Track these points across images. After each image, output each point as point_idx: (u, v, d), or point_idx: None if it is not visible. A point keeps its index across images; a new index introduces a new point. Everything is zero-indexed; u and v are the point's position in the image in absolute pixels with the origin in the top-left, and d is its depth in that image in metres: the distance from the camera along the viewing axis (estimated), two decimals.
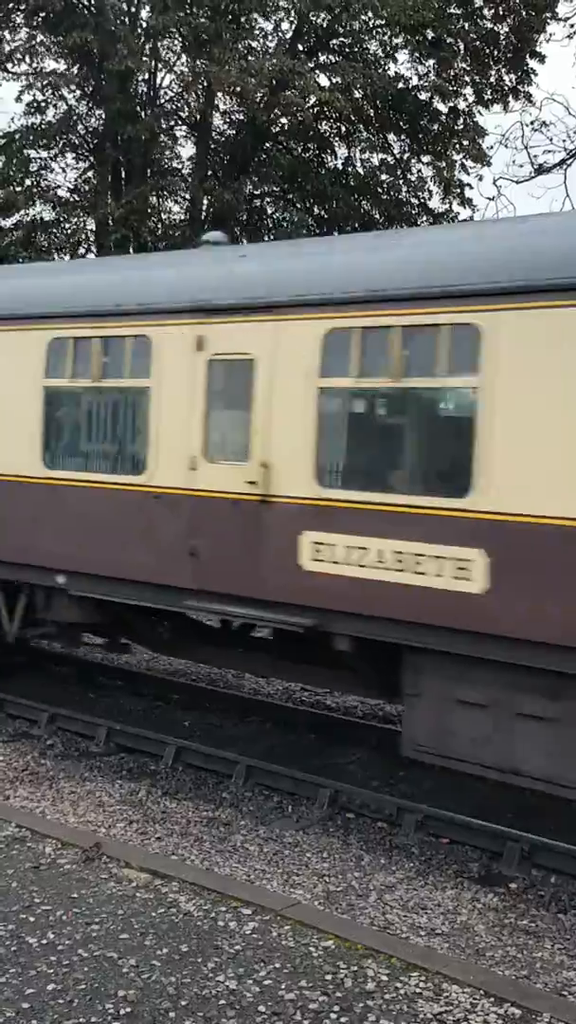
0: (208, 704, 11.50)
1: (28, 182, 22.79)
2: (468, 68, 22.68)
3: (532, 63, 22.75)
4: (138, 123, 21.08)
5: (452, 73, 22.48)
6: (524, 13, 21.64)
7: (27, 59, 21.79)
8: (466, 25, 21.72)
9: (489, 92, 22.90)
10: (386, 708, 11.12)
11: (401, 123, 23.20)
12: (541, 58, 22.69)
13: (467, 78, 22.81)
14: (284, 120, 23.07)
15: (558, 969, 6.02)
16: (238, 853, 7.63)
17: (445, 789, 8.94)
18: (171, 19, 20.39)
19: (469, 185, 23.30)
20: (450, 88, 22.36)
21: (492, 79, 22.84)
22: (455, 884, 7.28)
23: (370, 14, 20.92)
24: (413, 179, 23.79)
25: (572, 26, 21.47)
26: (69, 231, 23.56)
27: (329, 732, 10.37)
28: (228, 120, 23.77)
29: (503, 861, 7.58)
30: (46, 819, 8.05)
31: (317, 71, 21.64)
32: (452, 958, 6.01)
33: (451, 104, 22.65)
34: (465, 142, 22.69)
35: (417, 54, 22.38)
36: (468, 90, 22.98)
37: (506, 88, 22.84)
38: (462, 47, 22.19)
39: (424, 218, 23.67)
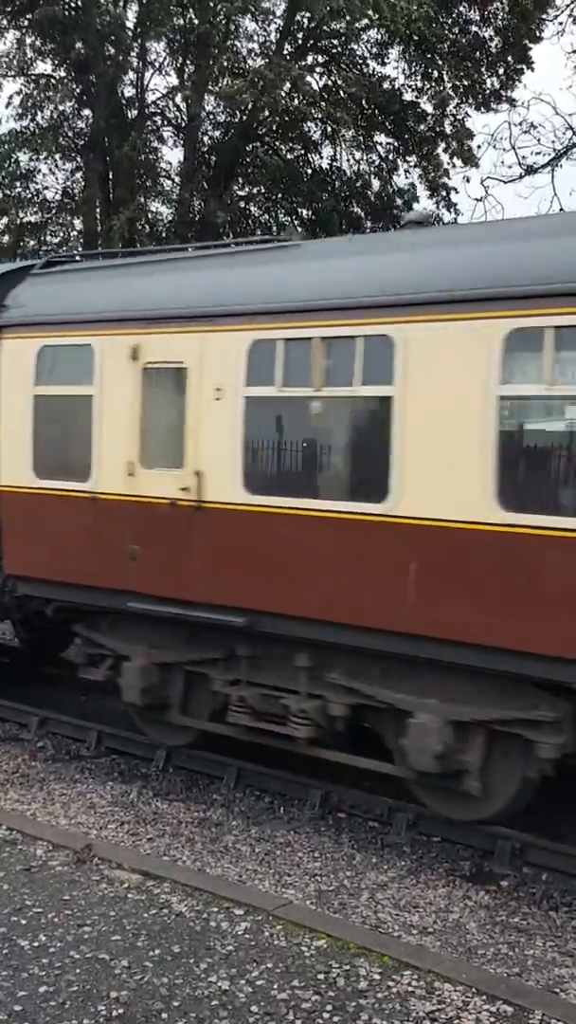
0: None
1: (18, 185, 22.73)
2: (455, 72, 22.72)
3: (521, 66, 22.79)
4: (125, 141, 21.07)
5: (438, 74, 22.52)
6: (512, 20, 21.69)
7: (18, 67, 21.72)
8: (456, 31, 21.79)
9: (477, 96, 22.93)
10: None
11: (387, 123, 23.25)
12: (529, 63, 22.73)
13: (455, 82, 22.84)
14: (271, 121, 23.08)
15: (549, 966, 6.03)
16: (230, 853, 7.63)
17: None
18: (157, 16, 20.37)
19: (455, 189, 23.38)
20: (438, 91, 22.41)
21: (476, 83, 22.87)
22: (447, 882, 7.29)
23: (358, 15, 20.93)
24: (400, 182, 23.85)
25: (560, 24, 21.55)
26: (58, 234, 23.58)
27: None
28: (214, 122, 23.80)
29: (494, 859, 7.59)
30: (37, 821, 8.04)
31: (305, 72, 21.67)
32: (444, 956, 6.02)
33: (436, 102, 22.68)
34: (454, 143, 22.72)
35: (405, 59, 22.45)
36: (454, 93, 23.02)
37: (487, 91, 22.89)
38: (446, 50, 22.22)
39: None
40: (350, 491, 8.00)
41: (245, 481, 8.35)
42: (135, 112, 22.68)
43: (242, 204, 24.25)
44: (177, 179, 23.49)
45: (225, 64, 21.87)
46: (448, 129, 22.91)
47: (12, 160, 22.33)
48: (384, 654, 7.77)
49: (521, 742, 7.35)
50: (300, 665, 8.29)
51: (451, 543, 7.23)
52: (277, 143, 24.13)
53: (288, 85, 20.48)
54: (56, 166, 23.53)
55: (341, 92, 21.65)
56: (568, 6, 21.16)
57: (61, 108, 22.39)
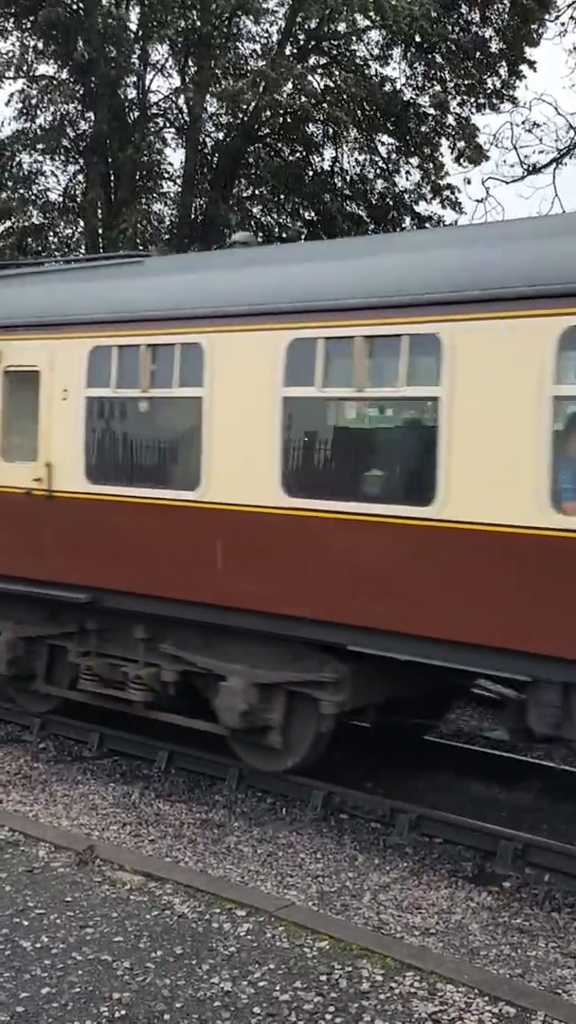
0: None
1: (21, 189, 22.72)
2: (456, 72, 22.71)
3: (521, 68, 22.78)
4: (127, 143, 21.06)
5: (440, 75, 22.52)
6: (513, 22, 21.68)
7: (20, 69, 21.69)
8: (456, 31, 21.79)
9: (477, 95, 22.93)
10: None
11: (388, 124, 23.24)
12: (531, 63, 22.73)
13: (457, 81, 22.83)
14: (273, 122, 23.08)
15: (552, 967, 6.03)
16: (232, 854, 7.63)
17: (438, 789, 8.96)
18: (161, 19, 20.37)
19: (457, 189, 23.36)
20: (438, 92, 22.41)
21: (477, 83, 22.86)
22: (449, 883, 7.28)
23: (359, 16, 20.92)
24: (402, 184, 23.82)
25: (563, 24, 21.54)
26: (62, 236, 23.60)
27: None
28: (217, 123, 23.78)
29: (496, 860, 7.59)
30: (39, 822, 8.04)
31: (306, 72, 21.66)
32: (446, 957, 6.02)
33: (437, 101, 22.66)
34: (461, 144, 22.69)
35: (407, 60, 22.43)
36: (456, 92, 23.00)
37: (488, 92, 22.88)
38: (446, 50, 22.22)
39: (411, 221, 23.68)
40: (171, 480, 9.13)
41: (87, 472, 9.42)
42: (137, 114, 22.69)
43: (246, 205, 24.25)
44: (179, 180, 23.49)
45: (227, 65, 21.87)
46: (452, 122, 22.88)
47: (15, 163, 22.34)
48: (203, 624, 8.79)
49: (312, 700, 8.31)
50: (138, 637, 9.30)
51: (248, 524, 8.32)
52: (279, 144, 24.14)
53: (290, 85, 20.47)
54: (63, 168, 23.56)
55: (343, 94, 21.61)
56: (570, 6, 21.16)
57: (63, 110, 22.39)
